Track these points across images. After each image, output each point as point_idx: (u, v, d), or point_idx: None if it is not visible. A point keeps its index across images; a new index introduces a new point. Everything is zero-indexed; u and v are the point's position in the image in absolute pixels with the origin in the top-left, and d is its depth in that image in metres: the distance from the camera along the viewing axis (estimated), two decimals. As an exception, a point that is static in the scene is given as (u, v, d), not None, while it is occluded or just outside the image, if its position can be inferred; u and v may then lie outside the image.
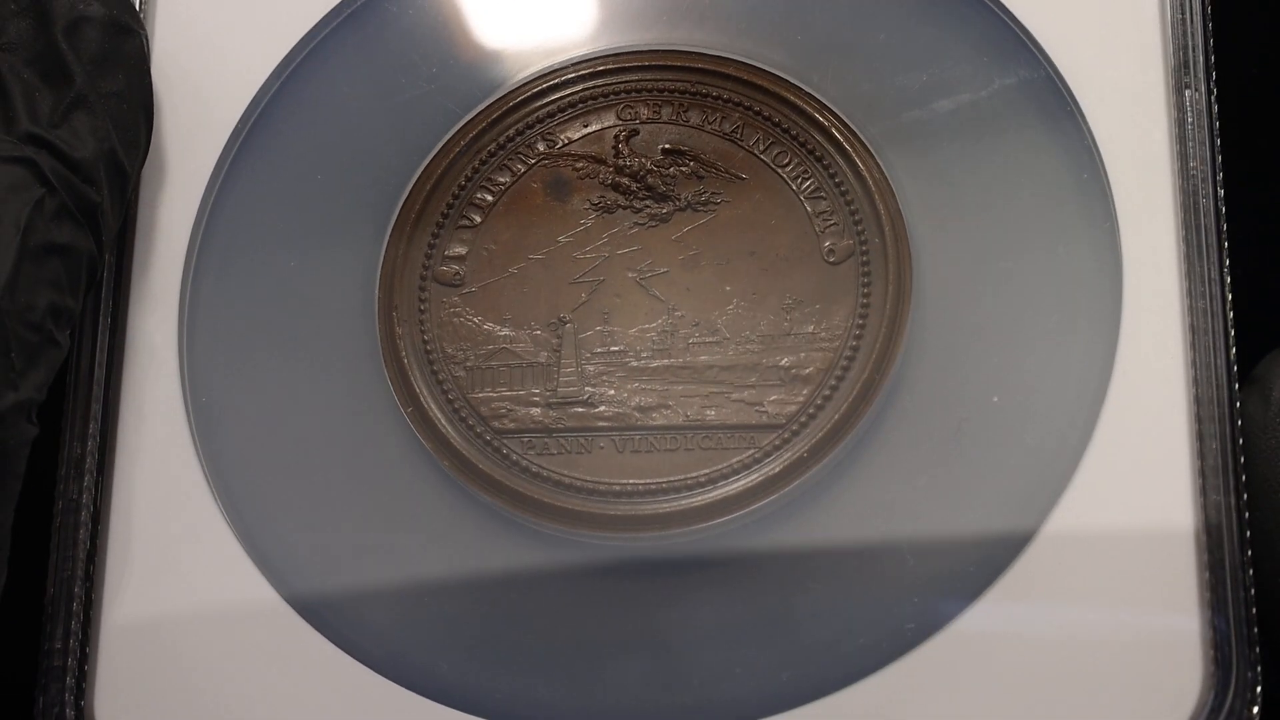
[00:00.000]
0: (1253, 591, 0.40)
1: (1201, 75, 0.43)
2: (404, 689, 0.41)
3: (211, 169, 0.45)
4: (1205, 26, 0.43)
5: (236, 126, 0.45)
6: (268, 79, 0.46)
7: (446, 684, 0.41)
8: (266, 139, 0.45)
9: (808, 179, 0.44)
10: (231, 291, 0.44)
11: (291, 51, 0.46)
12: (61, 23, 0.41)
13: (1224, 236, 0.42)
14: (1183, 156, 0.43)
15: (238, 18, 0.46)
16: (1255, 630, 0.39)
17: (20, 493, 0.39)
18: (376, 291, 0.44)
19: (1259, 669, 0.39)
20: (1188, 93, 0.43)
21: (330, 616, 0.41)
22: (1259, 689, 0.39)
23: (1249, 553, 0.40)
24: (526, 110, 0.45)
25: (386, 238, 0.44)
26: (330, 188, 0.45)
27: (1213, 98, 0.43)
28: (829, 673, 0.40)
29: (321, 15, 0.46)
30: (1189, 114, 0.43)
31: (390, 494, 0.43)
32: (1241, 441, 0.40)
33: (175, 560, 0.42)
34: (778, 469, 0.42)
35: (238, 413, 0.43)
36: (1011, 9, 0.45)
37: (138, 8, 0.46)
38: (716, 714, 0.40)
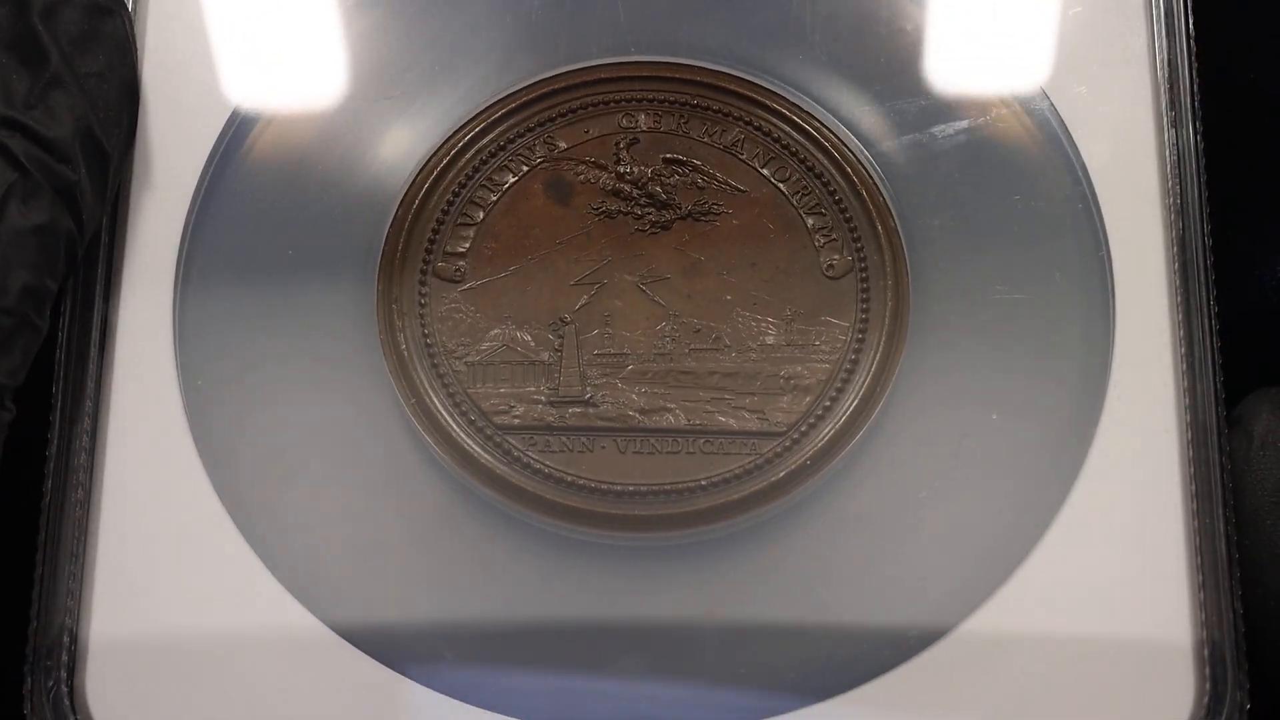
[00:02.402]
0: (1243, 612, 0.40)
1: (1189, 111, 0.44)
2: (404, 678, 0.40)
3: (206, 156, 0.44)
4: (1191, 65, 0.45)
5: (233, 111, 0.45)
6: (267, 63, 0.45)
7: (446, 676, 0.40)
8: (262, 127, 0.45)
9: (807, 195, 0.44)
10: (226, 282, 0.43)
11: (292, 37, 0.45)
12: (39, 6, 0.41)
13: (1210, 264, 0.43)
14: (1172, 190, 0.44)
15: (235, 5, 0.46)
16: (1244, 650, 0.40)
17: (1, 477, 0.38)
18: (376, 283, 0.43)
19: (1248, 689, 0.40)
20: (1176, 129, 0.44)
21: (329, 605, 0.40)
22: (1248, 707, 0.40)
23: (1239, 574, 0.41)
24: (527, 114, 0.45)
25: (386, 229, 0.44)
26: (329, 178, 0.44)
27: (1199, 136, 0.44)
28: (831, 677, 0.40)
29: (324, 2, 0.46)
30: (1177, 148, 0.44)
31: (390, 486, 0.42)
32: (1230, 467, 0.41)
33: (169, 545, 0.41)
34: (780, 475, 0.42)
35: (234, 405, 0.42)
36: (1009, 43, 0.46)
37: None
38: (719, 715, 0.40)
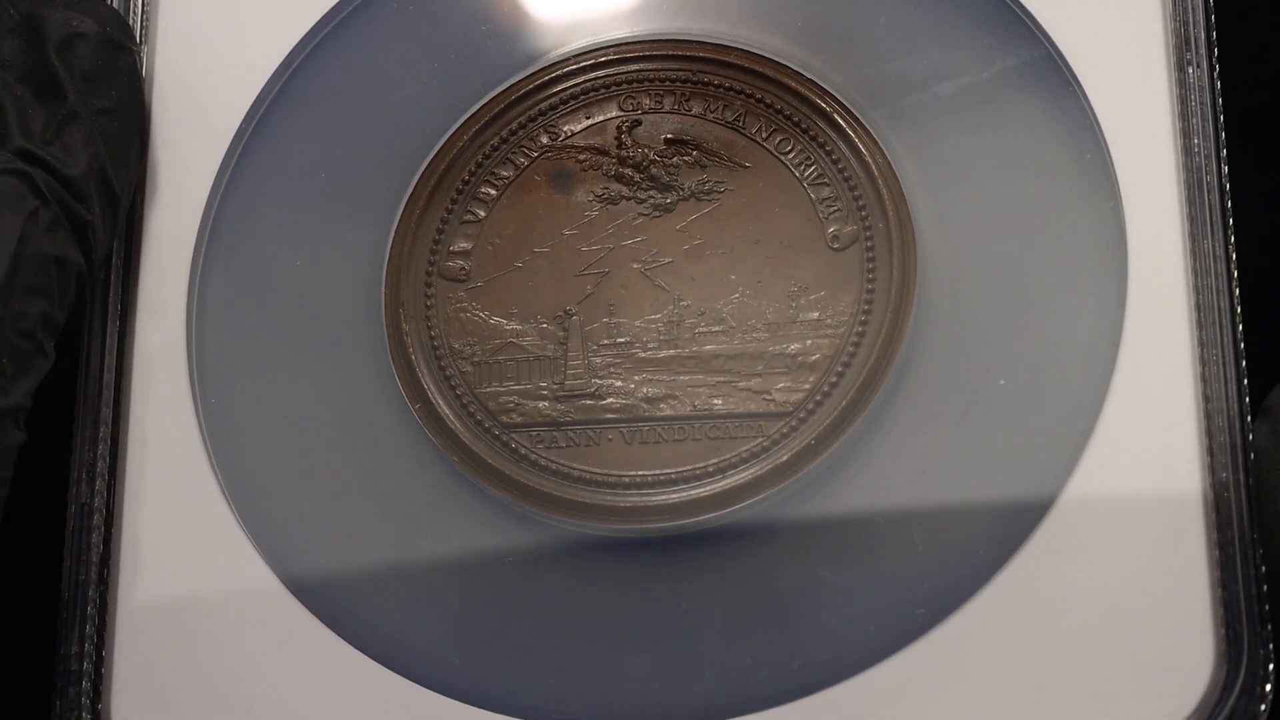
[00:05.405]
0: (1263, 569, 0.40)
1: (1203, 52, 0.43)
2: (416, 684, 0.41)
3: (216, 169, 0.45)
4: (1205, 2, 0.43)
5: (240, 126, 0.46)
6: (270, 78, 0.46)
7: (458, 678, 0.41)
8: (270, 138, 0.46)
9: (810, 165, 0.44)
10: (238, 292, 0.44)
11: (293, 51, 0.46)
12: (54, 39, 0.42)
13: (1228, 213, 0.42)
14: (1185, 134, 0.42)
15: (240, 20, 0.46)
16: (1266, 607, 0.39)
17: (10, 497, 0.39)
18: (383, 288, 0.44)
19: (1270, 646, 0.39)
20: (1189, 70, 0.43)
21: (344, 613, 0.42)
22: (1270, 666, 0.39)
23: (1256, 535, 0.40)
24: (528, 103, 0.45)
25: (391, 234, 0.44)
26: (334, 186, 0.45)
27: (1215, 74, 0.43)
28: (841, 660, 0.40)
29: (321, 14, 0.46)
30: (1191, 91, 0.43)
31: (400, 490, 0.43)
32: (1253, 480, 0.40)
33: (189, 560, 0.42)
34: (785, 457, 0.42)
35: (247, 413, 0.44)
36: (1010, -5, 0.45)
37: (139, 15, 0.46)
38: (729, 703, 0.40)
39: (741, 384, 0.43)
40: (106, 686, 0.42)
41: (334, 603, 0.42)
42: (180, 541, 0.43)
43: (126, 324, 0.44)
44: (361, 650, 0.41)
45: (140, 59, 0.44)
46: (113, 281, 0.44)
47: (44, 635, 0.42)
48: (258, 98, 0.46)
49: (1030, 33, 0.44)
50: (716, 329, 0.43)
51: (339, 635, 0.41)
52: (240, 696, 0.41)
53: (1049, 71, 0.44)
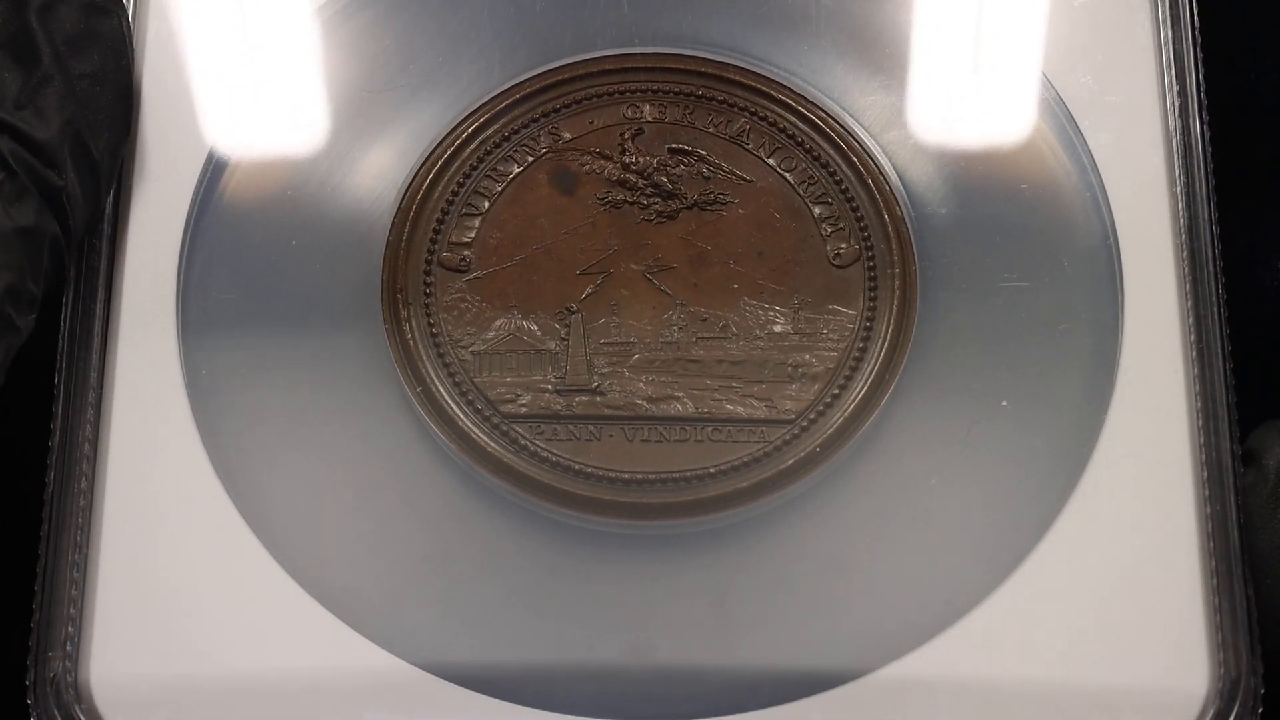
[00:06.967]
0: (1252, 593, 0.40)
1: (1194, 101, 0.44)
2: (409, 664, 0.40)
3: (209, 148, 0.44)
4: (1197, 55, 0.45)
5: (232, 117, 0.44)
6: (268, 65, 0.45)
7: (452, 663, 0.40)
8: (267, 117, 0.44)
9: (813, 184, 0.44)
10: (229, 276, 0.43)
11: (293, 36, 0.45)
12: (36, 3, 0.41)
13: (1218, 251, 0.43)
14: (1179, 179, 0.44)
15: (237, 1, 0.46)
16: (1257, 636, 0.40)
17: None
18: (381, 273, 0.43)
19: (1260, 674, 0.40)
20: (1182, 118, 0.44)
21: (334, 592, 0.40)
22: (1262, 692, 0.40)
23: (1247, 560, 0.40)
24: (531, 105, 0.45)
25: (391, 221, 0.43)
26: (334, 169, 0.44)
27: (1205, 126, 0.44)
28: (841, 665, 0.40)
29: (326, -1, 0.46)
30: (1184, 137, 0.44)
31: (397, 475, 0.41)
32: (1242, 517, 0.41)
33: (172, 536, 0.41)
34: (789, 463, 0.41)
35: (238, 395, 0.42)
36: (1014, 32, 0.46)
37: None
38: (726, 702, 0.39)
39: (743, 390, 0.42)
40: (85, 658, 0.40)
41: (322, 578, 0.40)
42: (164, 515, 0.41)
43: (114, 296, 0.42)
44: (351, 626, 0.40)
45: (126, 23, 0.43)
46: (101, 250, 0.43)
47: (23, 607, 0.40)
48: (256, 75, 0.45)
49: (1032, 74, 0.45)
50: (719, 336, 0.43)
51: (329, 611, 0.40)
52: (222, 668, 0.40)
53: (1049, 111, 0.45)
